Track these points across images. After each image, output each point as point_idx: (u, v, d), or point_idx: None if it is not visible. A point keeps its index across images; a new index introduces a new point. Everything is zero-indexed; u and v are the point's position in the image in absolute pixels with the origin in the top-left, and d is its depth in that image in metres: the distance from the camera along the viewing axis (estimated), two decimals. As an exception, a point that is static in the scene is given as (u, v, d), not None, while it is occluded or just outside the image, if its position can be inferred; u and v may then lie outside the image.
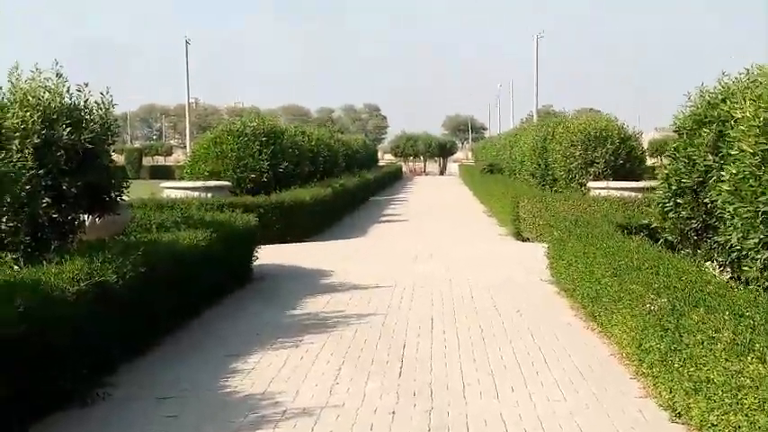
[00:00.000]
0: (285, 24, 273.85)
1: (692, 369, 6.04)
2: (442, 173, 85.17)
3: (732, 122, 9.21)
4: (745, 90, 8.79)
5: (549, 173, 23.35)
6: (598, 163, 21.05)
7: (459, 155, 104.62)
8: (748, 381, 5.04)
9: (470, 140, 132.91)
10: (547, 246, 13.96)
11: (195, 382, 8.05)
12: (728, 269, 9.60)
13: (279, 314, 11.37)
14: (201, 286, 11.16)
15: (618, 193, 19.41)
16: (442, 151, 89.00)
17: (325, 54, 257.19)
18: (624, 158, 21.23)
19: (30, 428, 6.60)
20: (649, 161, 33.08)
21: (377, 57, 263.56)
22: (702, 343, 5.82)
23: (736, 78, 10.10)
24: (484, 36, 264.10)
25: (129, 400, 7.47)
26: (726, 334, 5.52)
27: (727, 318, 5.81)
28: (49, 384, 6.88)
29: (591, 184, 20.62)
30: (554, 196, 20.13)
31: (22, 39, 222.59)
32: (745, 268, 8.50)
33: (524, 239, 20.17)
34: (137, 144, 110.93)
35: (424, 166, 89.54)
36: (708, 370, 5.67)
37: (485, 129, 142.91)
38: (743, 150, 7.73)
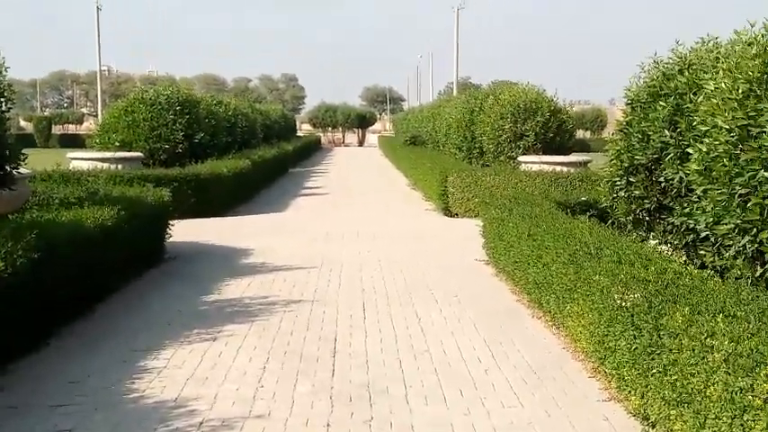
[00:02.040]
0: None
1: (674, 377, 5.23)
2: (361, 144, 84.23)
3: (691, 95, 8.50)
4: (715, 60, 8.04)
5: (477, 146, 22.62)
6: (528, 136, 20.38)
7: (377, 126, 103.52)
8: (758, 401, 4.24)
9: (389, 112, 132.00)
10: (482, 224, 13.13)
11: (97, 386, 6.95)
12: (683, 252, 8.93)
13: (194, 300, 10.30)
14: (107, 270, 10.00)
15: (549, 168, 18.76)
16: (362, 122, 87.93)
17: (243, 24, 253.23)
18: (554, 132, 20.61)
19: None
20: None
21: (294, 27, 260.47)
22: (693, 350, 5.00)
23: (692, 48, 9.39)
24: (402, 7, 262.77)
25: (17, 408, 6.35)
26: (725, 343, 4.70)
27: (720, 321, 5.00)
28: None
29: (521, 158, 19.91)
30: (484, 171, 19.39)
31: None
32: (702, 252, 7.83)
33: (453, 215, 19.36)
34: (46, 112, 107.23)
35: (343, 137, 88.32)
36: (700, 382, 4.85)
37: (403, 100, 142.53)
38: (716, 126, 6.93)
